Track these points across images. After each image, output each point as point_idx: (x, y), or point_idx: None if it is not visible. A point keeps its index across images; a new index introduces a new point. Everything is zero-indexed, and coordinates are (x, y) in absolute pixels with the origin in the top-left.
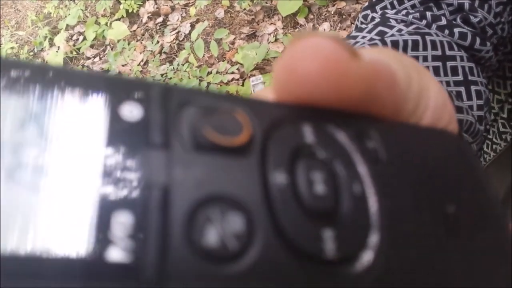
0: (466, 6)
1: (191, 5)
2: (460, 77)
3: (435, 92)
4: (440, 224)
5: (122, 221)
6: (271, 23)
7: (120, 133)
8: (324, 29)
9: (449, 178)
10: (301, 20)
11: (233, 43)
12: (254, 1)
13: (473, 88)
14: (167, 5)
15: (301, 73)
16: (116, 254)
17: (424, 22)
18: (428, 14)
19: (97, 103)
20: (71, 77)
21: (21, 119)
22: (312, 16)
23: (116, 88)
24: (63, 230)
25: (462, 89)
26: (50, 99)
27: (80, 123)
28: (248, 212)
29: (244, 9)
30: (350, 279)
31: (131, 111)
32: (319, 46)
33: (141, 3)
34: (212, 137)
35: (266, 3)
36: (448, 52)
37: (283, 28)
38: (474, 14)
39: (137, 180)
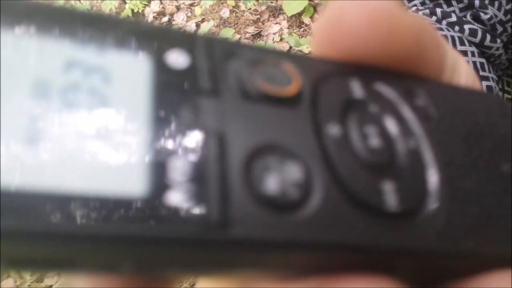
0: (477, 3)
1: (196, 5)
2: None
3: (466, 69)
4: (497, 182)
5: (179, 166)
6: (276, 23)
7: (167, 80)
8: None
9: (500, 138)
10: (306, 19)
11: None
12: (259, 1)
13: (484, 83)
14: (172, 5)
15: (347, 25)
16: (176, 197)
17: (434, 18)
18: (438, 10)
19: (142, 51)
20: (113, 25)
21: (69, 62)
22: (317, 16)
23: (160, 37)
24: (119, 173)
25: None
26: (98, 46)
27: (124, 71)
28: (305, 162)
29: (250, 8)
30: (414, 232)
31: (177, 59)
32: None
33: (147, 3)
34: (261, 86)
35: (271, 2)
36: (459, 47)
37: (288, 28)
38: (484, 11)
39: (191, 126)
